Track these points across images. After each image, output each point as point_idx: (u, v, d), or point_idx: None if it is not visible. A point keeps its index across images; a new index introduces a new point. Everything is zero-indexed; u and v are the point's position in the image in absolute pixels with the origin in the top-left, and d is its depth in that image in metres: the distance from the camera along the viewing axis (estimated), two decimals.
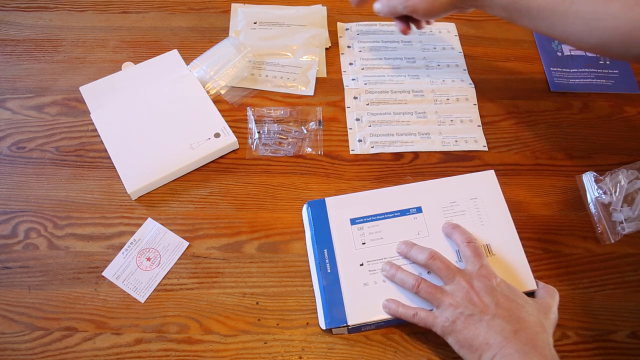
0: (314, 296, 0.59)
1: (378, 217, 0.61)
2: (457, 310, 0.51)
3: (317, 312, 0.58)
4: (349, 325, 0.56)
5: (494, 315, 0.50)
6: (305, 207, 0.64)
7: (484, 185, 0.63)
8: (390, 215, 0.61)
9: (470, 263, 0.55)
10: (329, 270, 0.59)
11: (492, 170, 0.64)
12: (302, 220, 0.64)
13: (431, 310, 0.54)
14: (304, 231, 0.63)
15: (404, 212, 0.62)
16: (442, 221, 0.61)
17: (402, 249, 0.59)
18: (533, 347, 0.48)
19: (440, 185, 0.64)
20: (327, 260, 0.59)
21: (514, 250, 0.59)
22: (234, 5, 0.84)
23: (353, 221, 0.61)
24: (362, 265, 0.59)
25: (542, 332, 0.50)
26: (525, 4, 0.58)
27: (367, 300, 0.57)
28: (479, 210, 0.61)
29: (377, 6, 0.68)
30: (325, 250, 0.60)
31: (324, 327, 0.56)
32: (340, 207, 0.62)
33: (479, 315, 0.51)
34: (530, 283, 0.57)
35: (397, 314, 0.55)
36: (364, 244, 0.60)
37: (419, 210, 0.62)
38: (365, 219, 0.61)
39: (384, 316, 0.56)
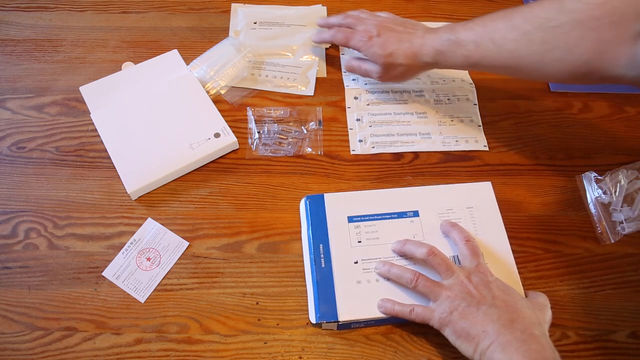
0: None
1: (375, 217, 0.61)
2: (454, 302, 0.52)
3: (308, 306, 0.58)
4: (339, 322, 0.56)
5: (491, 305, 0.51)
6: (303, 201, 0.64)
7: (481, 196, 0.64)
8: (388, 216, 0.62)
9: (468, 261, 0.56)
10: (323, 266, 0.59)
11: (489, 182, 0.65)
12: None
13: (427, 305, 0.54)
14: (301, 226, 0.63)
15: (401, 215, 0.62)
16: (438, 226, 0.61)
17: (396, 245, 0.59)
18: (530, 336, 0.49)
19: (439, 192, 0.64)
20: (322, 256, 0.59)
21: (506, 263, 0.59)
22: (234, 5, 0.84)
23: (350, 219, 0.61)
24: (356, 263, 0.59)
25: (538, 324, 0.51)
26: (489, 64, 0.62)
27: (359, 297, 0.57)
28: (474, 220, 0.62)
29: (347, 65, 0.75)
30: (321, 245, 0.60)
31: (314, 321, 0.56)
32: (339, 204, 0.62)
33: (476, 305, 0.51)
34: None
35: (394, 312, 0.55)
36: (359, 242, 0.60)
37: (416, 214, 0.62)
38: (362, 218, 0.61)
39: (376, 314, 0.56)
